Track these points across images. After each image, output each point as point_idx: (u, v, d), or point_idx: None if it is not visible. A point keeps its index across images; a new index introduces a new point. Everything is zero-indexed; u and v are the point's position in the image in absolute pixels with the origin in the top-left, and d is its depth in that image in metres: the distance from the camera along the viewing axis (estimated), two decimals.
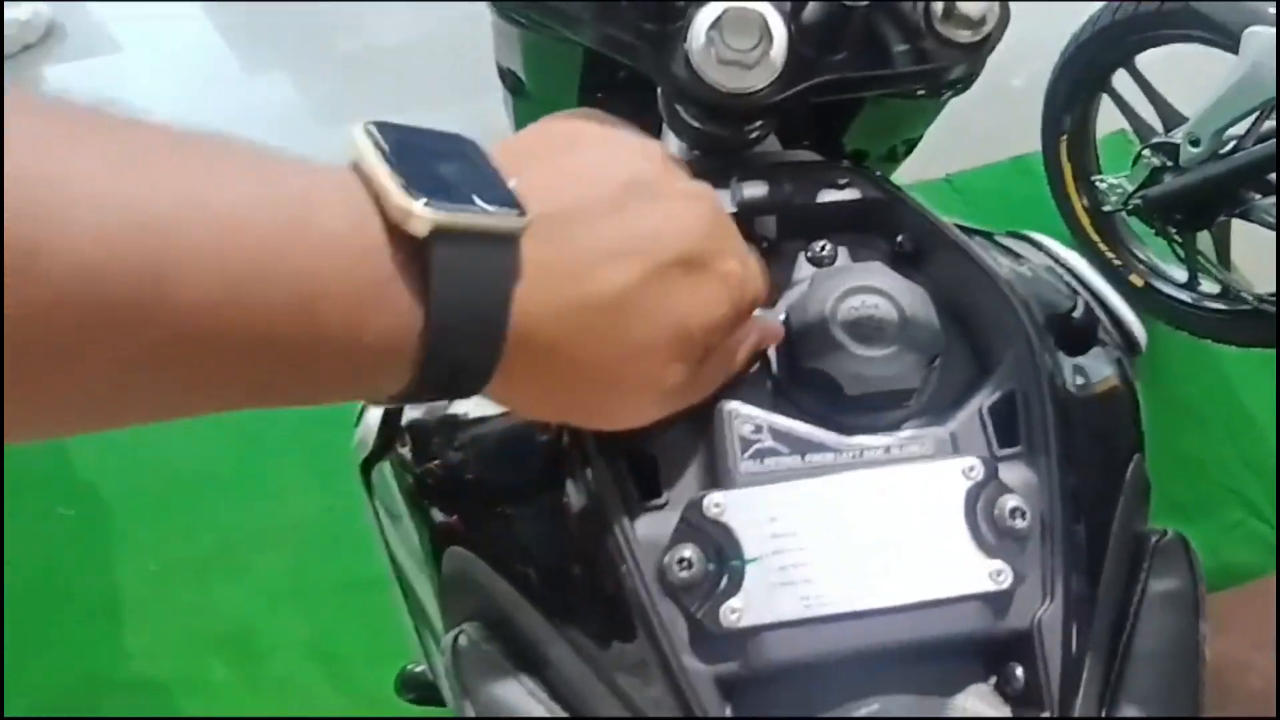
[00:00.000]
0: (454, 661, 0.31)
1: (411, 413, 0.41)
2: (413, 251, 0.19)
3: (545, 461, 0.34)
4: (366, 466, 0.44)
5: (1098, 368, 0.37)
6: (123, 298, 0.15)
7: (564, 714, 0.29)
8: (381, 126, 0.20)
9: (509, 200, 0.20)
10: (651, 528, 0.29)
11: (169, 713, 1.03)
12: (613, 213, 0.22)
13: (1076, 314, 0.38)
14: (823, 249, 0.36)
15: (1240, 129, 1.01)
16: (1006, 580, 0.27)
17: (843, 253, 0.36)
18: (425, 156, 0.20)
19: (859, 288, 0.31)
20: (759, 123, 0.40)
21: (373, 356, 0.19)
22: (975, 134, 1.29)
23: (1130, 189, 1.16)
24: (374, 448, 0.41)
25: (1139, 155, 1.15)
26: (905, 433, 0.30)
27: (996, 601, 0.27)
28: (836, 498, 0.28)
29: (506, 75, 0.51)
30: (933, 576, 0.27)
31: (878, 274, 0.32)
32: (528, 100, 0.51)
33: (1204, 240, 1.15)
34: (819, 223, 0.36)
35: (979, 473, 0.28)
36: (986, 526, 0.28)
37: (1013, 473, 0.29)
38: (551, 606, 0.31)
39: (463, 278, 0.19)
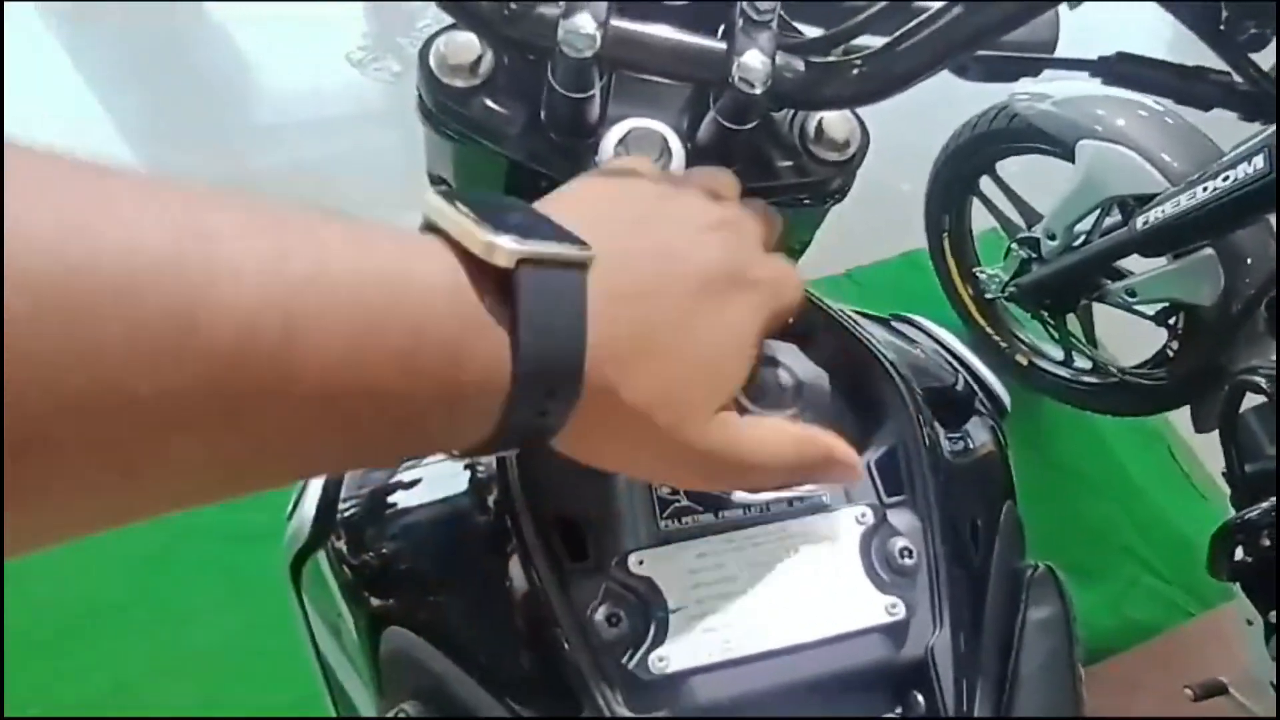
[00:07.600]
0: None
1: (345, 505, 0.42)
2: (499, 290, 0.21)
3: (478, 540, 0.35)
4: (298, 562, 0.45)
5: (978, 435, 0.43)
6: (261, 366, 0.16)
7: None
8: (446, 193, 0.22)
9: (572, 239, 0.22)
10: (582, 588, 0.31)
11: None
12: (656, 252, 0.25)
13: (959, 388, 0.44)
14: None
15: (1088, 224, 1.16)
16: (900, 612, 0.30)
17: None
18: (492, 208, 0.22)
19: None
20: None
21: (468, 398, 0.20)
22: (870, 233, 1.43)
23: (1006, 278, 1.30)
24: (307, 540, 0.42)
25: (1009, 249, 1.29)
26: (805, 487, 0.34)
27: (894, 633, 0.31)
28: (748, 548, 0.31)
29: (437, 181, 0.56)
30: (838, 614, 0.30)
31: (774, 349, 0.36)
32: None
33: (1073, 322, 1.28)
34: None
35: (870, 518, 0.32)
36: (880, 566, 0.31)
37: (900, 517, 0.33)
38: (490, 675, 0.32)
39: (545, 299, 0.21)
